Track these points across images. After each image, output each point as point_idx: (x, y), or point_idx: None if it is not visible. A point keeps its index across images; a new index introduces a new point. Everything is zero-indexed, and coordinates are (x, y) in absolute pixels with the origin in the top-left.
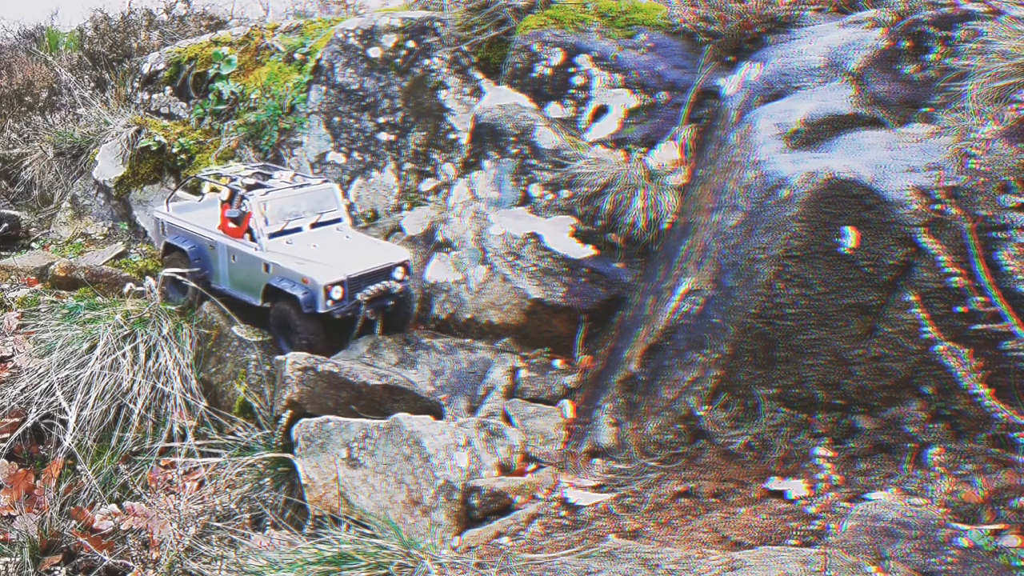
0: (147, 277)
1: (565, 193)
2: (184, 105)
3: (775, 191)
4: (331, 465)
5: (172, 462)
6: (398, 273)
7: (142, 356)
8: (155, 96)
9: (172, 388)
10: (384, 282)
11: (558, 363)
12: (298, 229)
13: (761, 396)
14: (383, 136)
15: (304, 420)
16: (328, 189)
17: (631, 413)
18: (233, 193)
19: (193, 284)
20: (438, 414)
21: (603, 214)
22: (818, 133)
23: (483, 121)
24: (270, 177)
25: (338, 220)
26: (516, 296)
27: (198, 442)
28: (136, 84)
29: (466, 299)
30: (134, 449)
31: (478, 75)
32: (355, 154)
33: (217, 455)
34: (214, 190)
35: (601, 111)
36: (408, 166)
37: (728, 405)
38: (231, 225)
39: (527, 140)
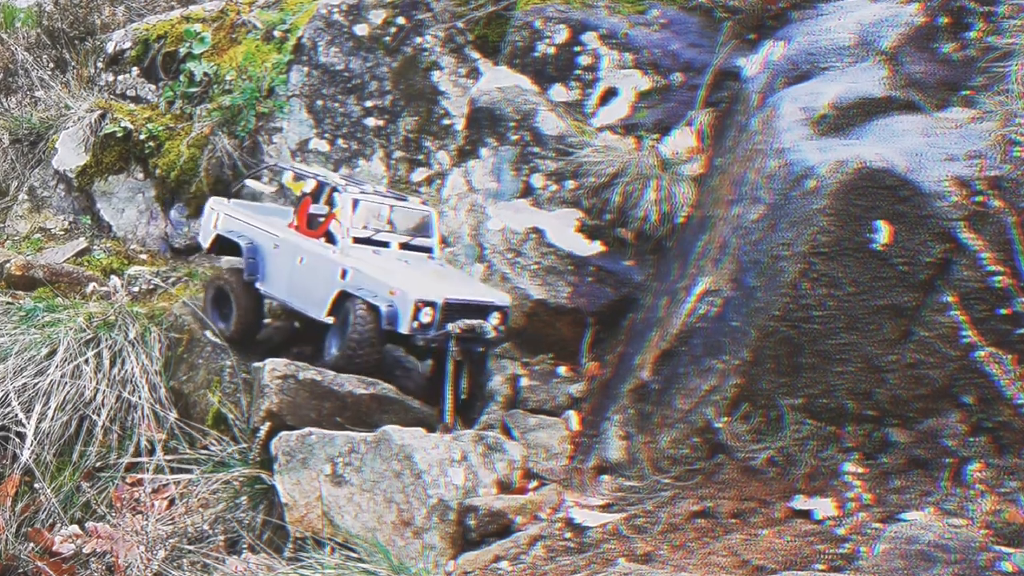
0: (112, 276)
1: (570, 184)
2: (152, 88)
3: (801, 182)
4: (314, 482)
5: (139, 479)
6: (494, 318)
7: (106, 363)
8: (121, 78)
9: (139, 398)
10: (480, 322)
11: (562, 370)
12: (386, 244)
13: (785, 406)
14: (371, 121)
15: (284, 433)
16: (427, 214)
17: (643, 425)
18: (321, 186)
19: (239, 307)
20: (431, 426)
21: (612, 207)
22: (848, 118)
23: (480, 105)
24: (362, 185)
25: (430, 250)
26: (516, 297)
27: (167, 457)
28: (100, 65)
29: None
30: (97, 465)
31: (475, 54)
32: (340, 141)
33: (188, 471)
34: (298, 179)
35: (610, 94)
36: (398, 154)
37: (749, 416)
38: (308, 224)
39: (528, 126)
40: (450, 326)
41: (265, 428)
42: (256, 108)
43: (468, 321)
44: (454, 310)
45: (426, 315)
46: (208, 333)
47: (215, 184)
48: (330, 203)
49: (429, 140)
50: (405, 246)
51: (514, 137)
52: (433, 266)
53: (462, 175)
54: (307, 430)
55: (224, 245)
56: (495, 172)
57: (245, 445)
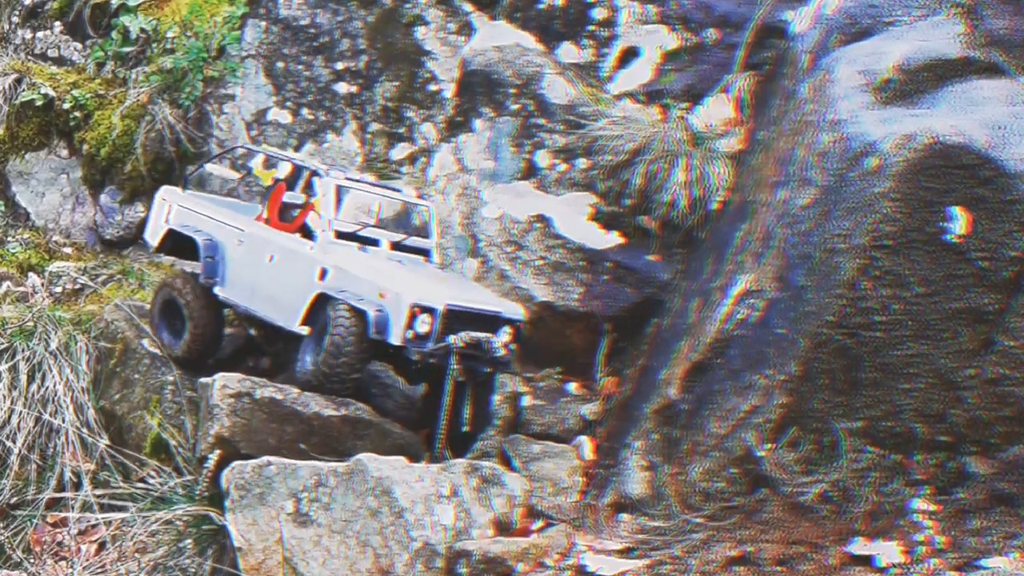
0: (30, 274)
1: (582, 163)
2: (79, 47)
3: (860, 160)
4: (273, 522)
5: (63, 518)
6: (504, 334)
7: (23, 378)
8: (41, 35)
9: (63, 420)
10: (488, 336)
11: (573, 387)
12: (375, 242)
13: (842, 431)
14: (341, 87)
15: (237, 463)
16: (424, 209)
17: (670, 453)
18: (298, 171)
19: (193, 321)
20: (415, 454)
21: (632, 190)
22: (917, 83)
23: (474, 68)
24: (347, 172)
25: (427, 253)
26: (517, 298)
27: (97, 492)
28: (15, 19)
29: None
30: (13, 501)
31: (467, 7)
32: (304, 111)
33: (122, 509)
34: (270, 165)
35: (630, 54)
36: (375, 127)
37: (798, 443)
38: (281, 215)
39: (532, 93)
40: (451, 339)
41: (214, 457)
42: (203, 71)
43: (473, 334)
44: (457, 319)
45: (423, 323)
46: (146, 343)
47: (154, 163)
48: (308, 191)
49: (412, 110)
50: (398, 246)
51: (514, 106)
52: (431, 269)
53: (452, 152)
54: (265, 459)
55: (177, 244)
56: (492, 148)
57: (190, 477)
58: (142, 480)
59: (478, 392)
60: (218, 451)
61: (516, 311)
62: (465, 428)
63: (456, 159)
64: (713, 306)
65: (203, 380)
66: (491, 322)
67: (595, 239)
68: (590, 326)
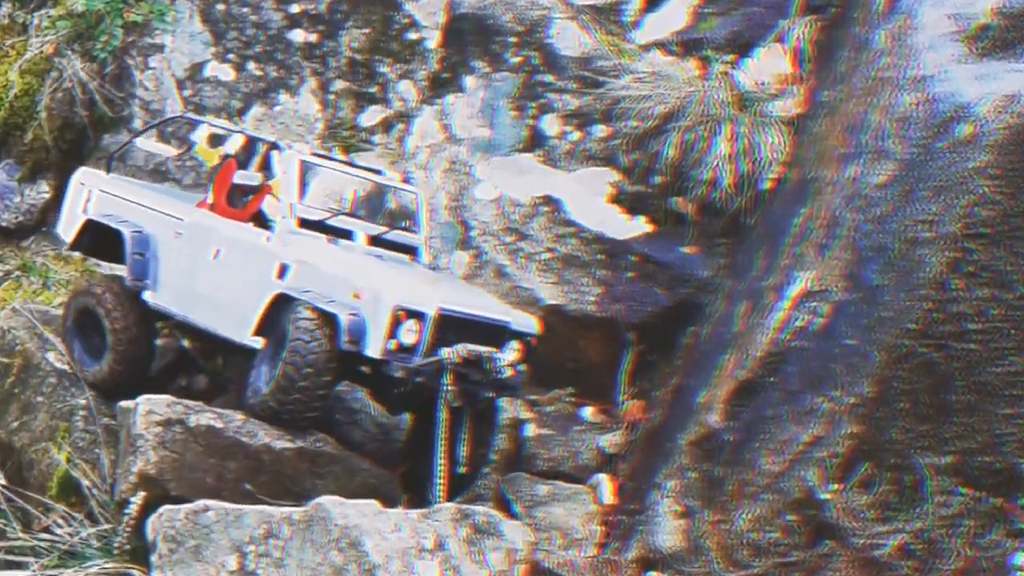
0: None
1: (600, 131)
2: None
3: (950, 127)
4: None
5: None
6: (512, 350)
7: None
8: None
9: None
10: (491, 352)
11: (588, 412)
12: (349, 234)
13: (927, 468)
14: (297, 35)
15: (167, 508)
16: (411, 196)
17: (711, 496)
18: (251, 145)
19: (116, 337)
20: (390, 497)
21: (664, 165)
22: (1021, 31)
23: (464, 11)
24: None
25: (414, 250)
26: (519, 301)
27: None
28: None
29: None
30: None
31: None
32: (251, 65)
33: (21, 566)
34: (216, 142)
35: None
36: (340, 85)
37: (872, 483)
38: (229, 200)
39: (538, 42)
40: (445, 352)
41: (138, 500)
42: (123, 16)
43: (472, 347)
44: (452, 329)
45: (409, 332)
46: (52, 356)
47: (62, 131)
48: (265, 170)
49: (386, 64)
50: (377, 241)
51: (515, 59)
52: (418, 268)
53: (436, 117)
54: (202, 503)
55: (98, 239)
56: (486, 113)
57: (108, 526)
58: (46, 529)
59: (478, 422)
60: (142, 493)
61: (527, 323)
62: (462, 467)
63: (442, 126)
64: (765, 311)
65: (123, 404)
66: (495, 334)
67: (616, 226)
68: (610, 336)
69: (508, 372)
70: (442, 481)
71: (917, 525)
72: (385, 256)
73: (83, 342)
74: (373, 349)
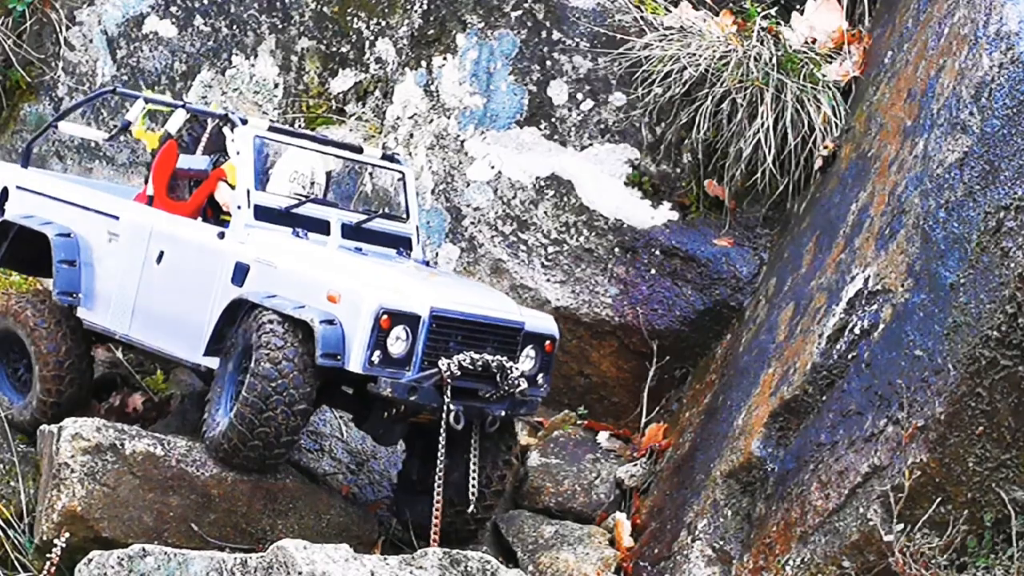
0: None
1: (618, 99)
2: None
3: None
4: None
5: None
6: (527, 357)
7: None
8: None
9: None
10: (502, 360)
11: (604, 438)
12: (322, 225)
13: (1011, 504)
14: None
15: (97, 554)
16: (398, 176)
17: (751, 537)
18: (198, 121)
19: (46, 366)
20: (364, 539)
21: (694, 141)
22: None
23: None
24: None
25: (401, 241)
26: (520, 303)
27: None
28: None
29: None
30: None
31: None
32: (199, 20)
33: None
34: (150, 119)
35: None
36: (304, 44)
37: (945, 523)
38: (171, 190)
39: None
40: (443, 363)
41: (62, 543)
42: None
43: (477, 356)
44: (452, 334)
45: (398, 340)
46: None
47: None
48: (215, 152)
49: (360, 18)
50: (356, 231)
51: (516, 12)
52: (411, 265)
53: (420, 83)
54: (139, 547)
55: (17, 245)
56: (481, 77)
57: (27, 574)
58: None
59: (488, 448)
60: (67, 534)
61: (546, 323)
62: (471, 504)
63: (427, 93)
64: (815, 315)
65: (45, 428)
66: (507, 339)
67: (637, 213)
68: (629, 345)
69: (522, 384)
70: (436, 520)
71: (999, 573)
72: (366, 250)
73: (4, 373)
74: (355, 363)
